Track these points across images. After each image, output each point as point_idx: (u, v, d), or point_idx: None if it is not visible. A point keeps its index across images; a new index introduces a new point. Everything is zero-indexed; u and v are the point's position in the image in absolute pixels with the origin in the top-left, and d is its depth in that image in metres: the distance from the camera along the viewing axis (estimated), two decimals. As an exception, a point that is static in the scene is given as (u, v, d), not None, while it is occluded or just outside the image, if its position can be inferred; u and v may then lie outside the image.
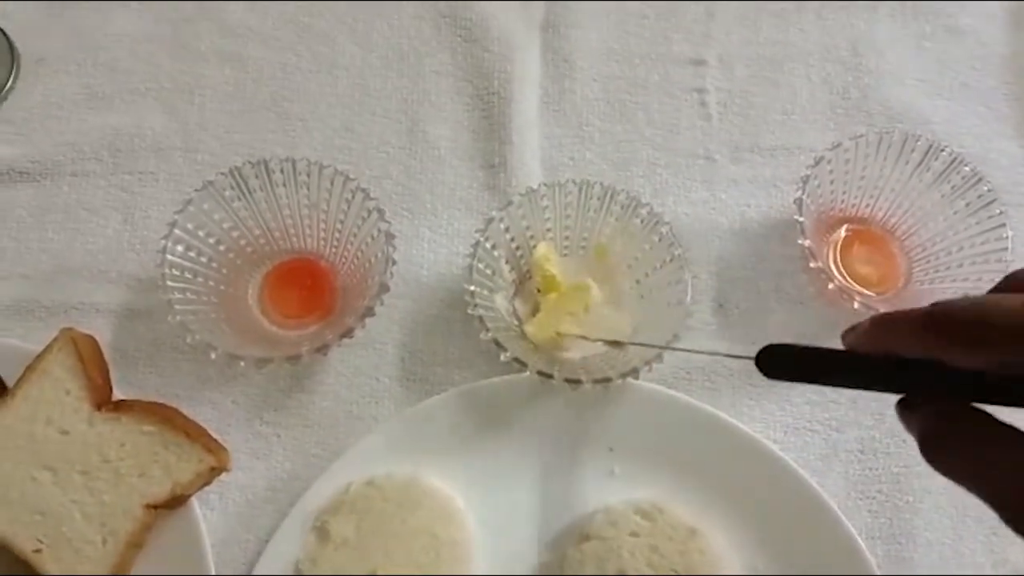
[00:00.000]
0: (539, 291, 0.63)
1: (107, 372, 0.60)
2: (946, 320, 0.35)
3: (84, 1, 0.75)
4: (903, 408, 0.38)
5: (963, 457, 0.35)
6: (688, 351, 0.57)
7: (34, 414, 0.57)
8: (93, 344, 0.60)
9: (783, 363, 0.42)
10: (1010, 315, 0.33)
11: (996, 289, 0.37)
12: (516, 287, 0.64)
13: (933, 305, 0.36)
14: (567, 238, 0.64)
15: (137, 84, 0.72)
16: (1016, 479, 0.33)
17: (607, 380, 0.56)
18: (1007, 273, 0.38)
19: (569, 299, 0.62)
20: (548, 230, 0.63)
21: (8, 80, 0.71)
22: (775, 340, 0.62)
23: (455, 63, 0.73)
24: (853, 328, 0.39)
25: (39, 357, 0.58)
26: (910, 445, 0.61)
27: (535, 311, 0.63)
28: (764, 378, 0.62)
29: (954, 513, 0.61)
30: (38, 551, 0.54)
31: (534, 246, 0.63)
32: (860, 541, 0.57)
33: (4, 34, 0.73)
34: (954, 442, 0.36)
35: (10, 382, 0.58)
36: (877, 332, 0.38)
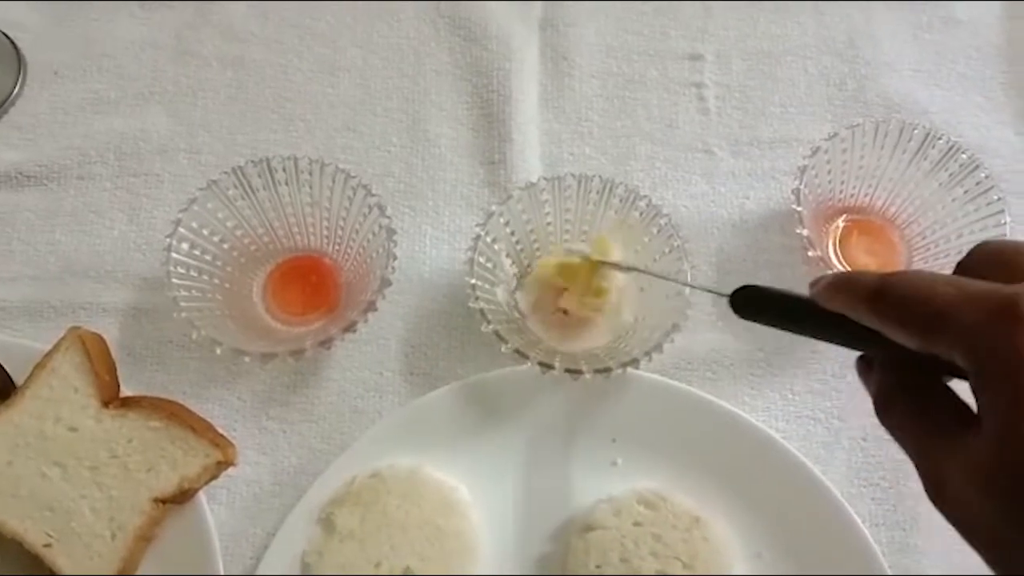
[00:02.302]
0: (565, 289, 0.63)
1: (114, 369, 0.61)
2: (891, 298, 0.35)
3: (91, 4, 0.76)
4: (862, 365, 0.39)
5: (903, 419, 0.36)
6: (669, 279, 0.58)
7: (43, 412, 0.57)
8: (100, 342, 0.61)
9: (755, 304, 0.43)
10: (946, 304, 0.32)
11: (961, 262, 0.37)
12: (517, 280, 0.64)
13: (886, 276, 0.36)
14: (567, 231, 0.65)
15: (141, 89, 0.73)
16: (941, 448, 0.33)
17: (607, 370, 0.57)
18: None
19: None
20: (548, 224, 0.64)
21: (15, 86, 0.72)
22: (775, 329, 0.63)
23: (454, 62, 0.74)
24: (817, 281, 0.39)
25: (47, 355, 0.59)
26: (913, 432, 0.62)
27: (538, 303, 0.64)
28: (767, 368, 0.63)
29: (958, 499, 0.61)
30: (48, 546, 0.55)
31: (535, 240, 0.64)
32: (864, 528, 0.57)
33: (11, 41, 0.74)
34: (899, 404, 0.36)
35: (20, 381, 0.59)
36: (833, 292, 0.38)
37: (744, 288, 0.44)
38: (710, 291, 0.51)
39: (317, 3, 0.76)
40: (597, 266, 0.61)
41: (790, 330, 0.42)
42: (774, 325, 0.43)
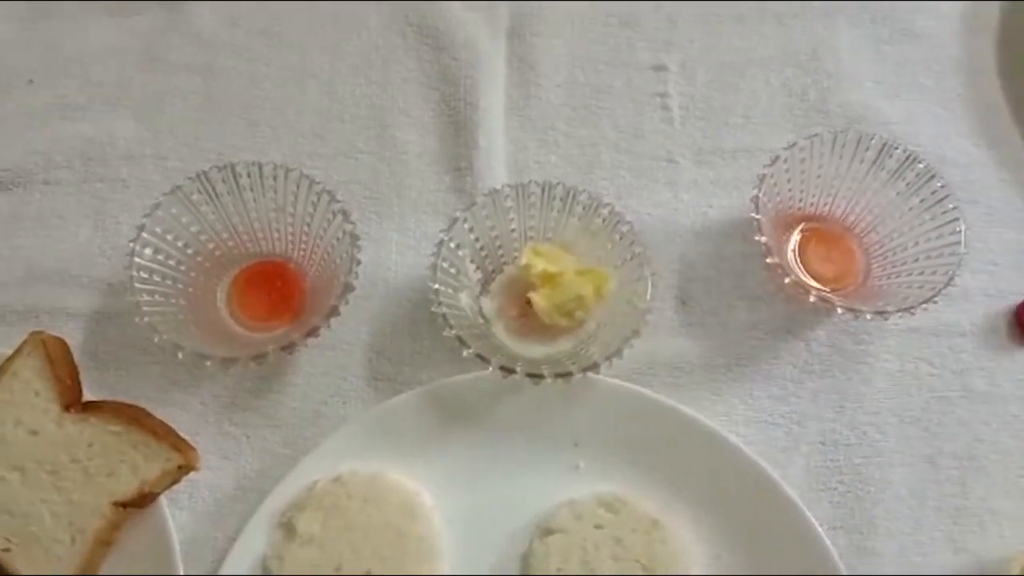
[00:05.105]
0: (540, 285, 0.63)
1: (76, 373, 0.61)
2: None
3: (59, 8, 0.76)
4: None
5: None
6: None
7: (3, 415, 0.57)
8: (62, 346, 0.61)
9: None
10: None
11: None
12: (481, 286, 0.65)
13: None
14: (531, 238, 0.65)
15: (109, 95, 0.73)
16: None
17: (568, 375, 0.57)
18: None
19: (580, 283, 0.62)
20: (512, 230, 0.65)
21: (-19, 92, 0.72)
22: (736, 335, 0.64)
23: (422, 70, 0.75)
24: None
25: (9, 360, 0.59)
26: (870, 437, 0.63)
27: (502, 309, 0.64)
28: (727, 374, 0.64)
29: (914, 503, 0.62)
30: (7, 550, 0.55)
31: (499, 246, 0.65)
32: (821, 531, 0.58)
33: (-22, 47, 0.74)
34: None
35: (-19, 385, 0.59)
36: None
37: None
38: None
39: (285, 11, 0.77)
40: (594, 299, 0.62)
41: None
42: None
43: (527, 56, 0.76)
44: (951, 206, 0.63)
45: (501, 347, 0.63)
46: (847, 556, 0.59)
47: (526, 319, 0.64)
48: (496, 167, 0.71)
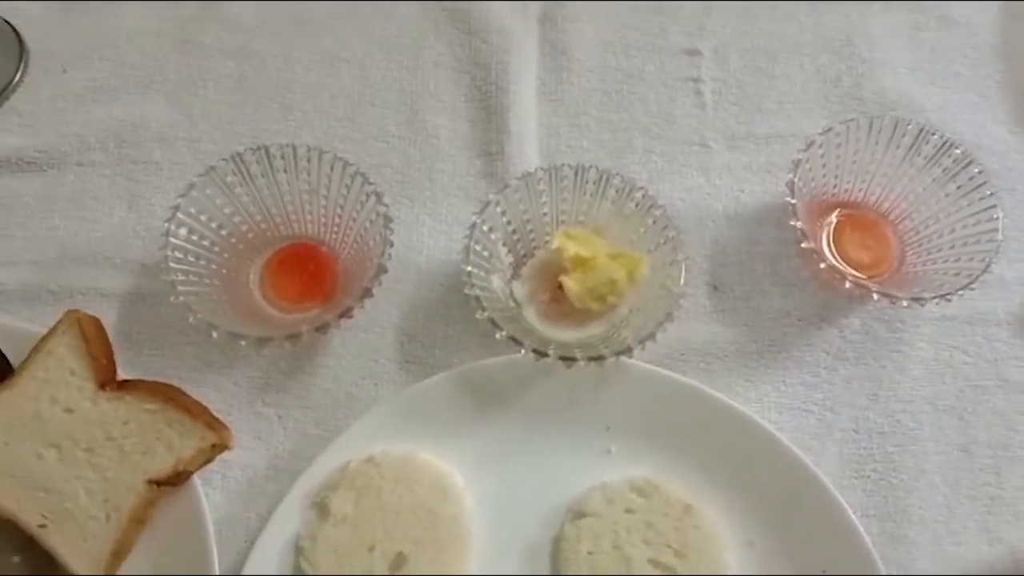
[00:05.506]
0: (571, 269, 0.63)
1: (111, 352, 0.61)
2: None
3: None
4: None
5: None
6: None
7: (40, 393, 0.58)
8: (97, 325, 0.62)
9: None
10: None
11: None
12: (512, 270, 0.65)
13: None
14: (563, 222, 0.65)
15: (142, 78, 0.74)
16: None
17: (601, 358, 0.57)
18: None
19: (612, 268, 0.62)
20: (544, 214, 0.64)
21: (17, 74, 0.73)
22: (769, 320, 0.64)
23: (454, 55, 0.75)
24: None
25: (44, 338, 0.60)
26: (904, 425, 0.62)
27: (533, 293, 0.64)
28: (760, 360, 0.64)
29: (948, 492, 0.61)
30: (43, 526, 0.55)
31: (531, 230, 0.65)
32: (855, 518, 0.57)
33: (14, 29, 0.74)
34: None
35: (17, 364, 0.59)
36: None
37: None
38: None
39: (318, -3, 0.77)
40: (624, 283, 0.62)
41: None
42: None
43: (559, 41, 0.75)
44: (988, 192, 0.63)
45: (532, 331, 0.62)
46: (880, 544, 0.59)
47: (557, 303, 0.64)
48: (528, 152, 0.71)
